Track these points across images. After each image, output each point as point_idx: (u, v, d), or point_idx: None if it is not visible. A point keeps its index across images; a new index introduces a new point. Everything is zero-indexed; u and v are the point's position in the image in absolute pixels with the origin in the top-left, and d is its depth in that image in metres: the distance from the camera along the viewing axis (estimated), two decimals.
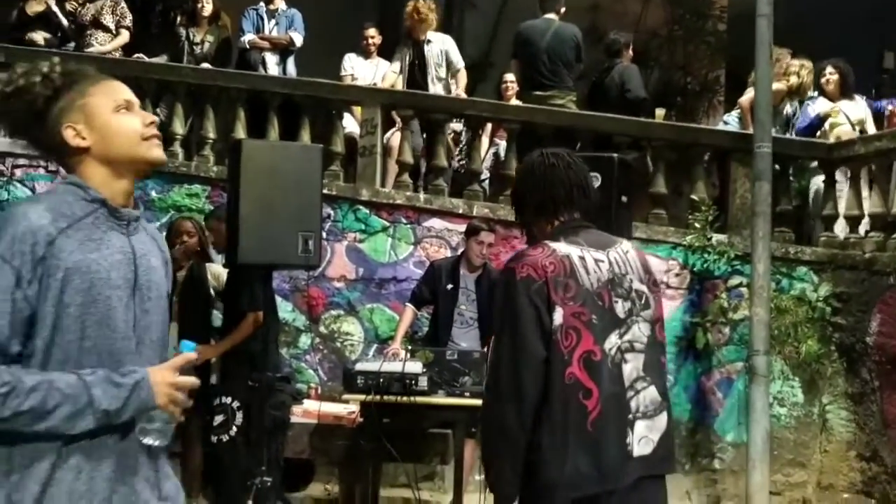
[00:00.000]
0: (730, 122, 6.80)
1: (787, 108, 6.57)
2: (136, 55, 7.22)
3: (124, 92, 1.83)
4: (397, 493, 5.33)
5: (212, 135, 6.78)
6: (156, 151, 1.81)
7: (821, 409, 5.77)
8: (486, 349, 4.92)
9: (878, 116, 6.59)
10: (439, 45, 7.02)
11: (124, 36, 7.25)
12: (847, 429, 5.68)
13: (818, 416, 5.77)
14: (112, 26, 7.19)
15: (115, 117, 1.78)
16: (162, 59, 7.28)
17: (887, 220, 5.60)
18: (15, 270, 1.64)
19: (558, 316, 2.23)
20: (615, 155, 4.09)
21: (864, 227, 5.92)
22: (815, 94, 6.58)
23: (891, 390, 5.27)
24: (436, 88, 6.96)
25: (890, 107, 6.52)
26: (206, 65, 7.13)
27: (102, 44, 7.16)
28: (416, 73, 6.95)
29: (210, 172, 6.64)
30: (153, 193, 6.67)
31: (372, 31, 7.36)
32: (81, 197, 1.74)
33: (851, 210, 5.87)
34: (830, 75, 6.38)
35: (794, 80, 6.31)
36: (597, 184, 3.99)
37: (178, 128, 6.81)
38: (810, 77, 6.44)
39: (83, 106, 1.76)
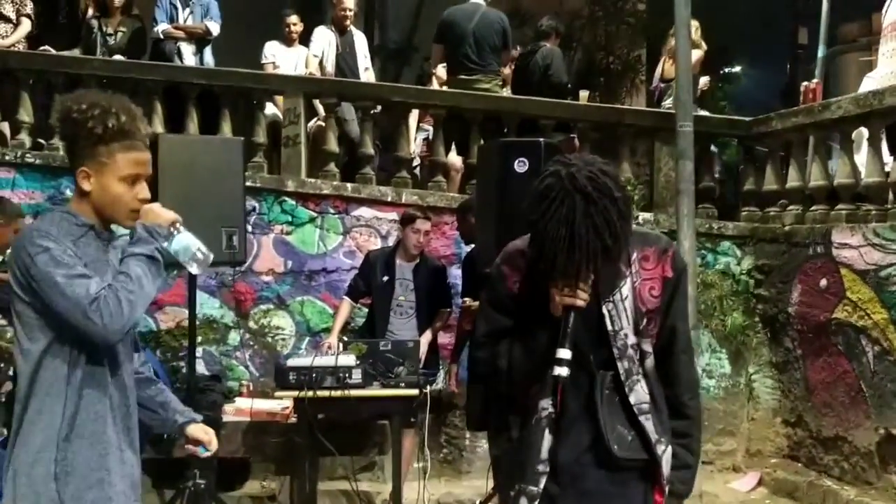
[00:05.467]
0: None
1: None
2: (43, 48, 6.91)
3: (140, 167, 2.13)
4: (336, 486, 5.28)
5: None
6: (130, 223, 2.17)
7: (747, 378, 5.93)
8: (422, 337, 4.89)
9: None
10: (361, 38, 7.18)
11: (26, 25, 6.93)
12: (772, 396, 5.85)
13: (745, 386, 5.93)
14: (12, 16, 6.86)
15: (117, 185, 2.11)
16: (74, 53, 6.98)
17: (805, 193, 5.76)
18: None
19: None
20: (541, 139, 4.08)
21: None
22: None
23: (813, 357, 5.43)
24: (366, 77, 6.99)
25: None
26: (119, 57, 6.87)
27: (5, 35, 6.83)
28: (348, 61, 6.93)
29: None
30: (67, 192, 6.43)
31: (294, 19, 7.23)
32: (73, 223, 2.13)
33: (770, 185, 6.03)
34: None
35: None
36: (524, 168, 3.99)
37: None
38: (698, 33, 6.67)
39: (103, 164, 2.09)
